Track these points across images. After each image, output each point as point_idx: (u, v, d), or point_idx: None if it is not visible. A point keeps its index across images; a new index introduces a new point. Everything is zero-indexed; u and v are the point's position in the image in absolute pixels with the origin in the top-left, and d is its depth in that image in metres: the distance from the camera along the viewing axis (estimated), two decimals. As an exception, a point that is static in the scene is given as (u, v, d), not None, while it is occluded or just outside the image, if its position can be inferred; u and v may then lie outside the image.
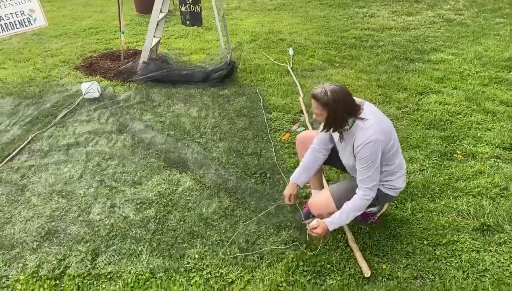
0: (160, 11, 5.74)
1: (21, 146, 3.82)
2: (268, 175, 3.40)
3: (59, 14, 9.09)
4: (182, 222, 2.88)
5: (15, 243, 2.71)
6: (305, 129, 4.13)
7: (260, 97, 4.81)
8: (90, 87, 4.77)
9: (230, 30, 7.74)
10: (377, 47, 6.58)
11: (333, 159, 2.79)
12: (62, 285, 2.39)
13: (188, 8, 5.21)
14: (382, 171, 2.47)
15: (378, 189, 2.50)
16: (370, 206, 2.54)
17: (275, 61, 6.06)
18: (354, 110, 2.37)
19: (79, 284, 2.40)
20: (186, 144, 3.85)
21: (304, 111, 4.45)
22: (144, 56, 5.46)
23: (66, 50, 6.56)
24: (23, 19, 5.42)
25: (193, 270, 2.50)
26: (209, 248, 2.66)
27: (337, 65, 5.92)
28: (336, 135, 2.59)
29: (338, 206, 2.59)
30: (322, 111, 2.34)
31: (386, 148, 2.40)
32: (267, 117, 4.38)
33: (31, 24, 5.50)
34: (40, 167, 3.52)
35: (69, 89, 5.01)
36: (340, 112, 2.31)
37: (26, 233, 2.79)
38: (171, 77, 5.14)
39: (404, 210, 3.03)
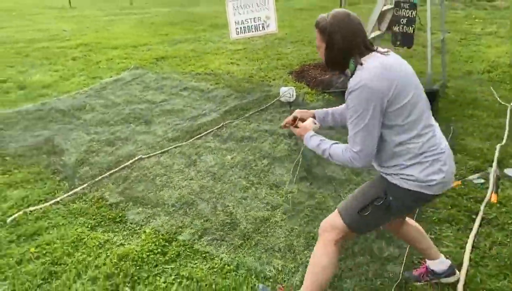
0: (378, 29, 5.70)
1: (211, 130, 4.53)
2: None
3: (307, 23, 10.00)
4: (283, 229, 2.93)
5: (160, 202, 3.32)
6: (483, 182, 3.47)
7: (451, 134, 4.24)
8: (287, 92, 5.19)
9: (467, 57, 7.03)
10: None
11: None
12: (169, 248, 2.82)
13: (401, 28, 4.99)
14: (389, 146, 1.88)
15: (386, 180, 1.94)
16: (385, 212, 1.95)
17: (499, 99, 5.18)
18: (359, 49, 1.85)
19: (180, 252, 2.79)
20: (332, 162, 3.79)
21: (495, 163, 3.70)
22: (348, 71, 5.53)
23: (292, 56, 7.24)
24: (259, 24, 6.27)
25: (270, 279, 2.54)
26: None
27: None
28: None
29: (345, 218, 2.03)
30: (321, 42, 1.92)
31: (391, 101, 1.78)
32: (445, 157, 3.85)
33: (264, 29, 6.30)
34: (213, 150, 4.12)
35: (272, 91, 5.57)
36: (339, 43, 1.84)
37: (171, 198, 3.36)
38: (364, 95, 5.06)
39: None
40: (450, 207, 3.17)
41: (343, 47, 1.85)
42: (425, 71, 5.03)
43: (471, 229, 2.93)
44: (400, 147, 1.86)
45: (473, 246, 2.78)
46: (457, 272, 2.46)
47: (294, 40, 8.40)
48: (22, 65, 7.37)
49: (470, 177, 3.56)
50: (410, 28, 4.90)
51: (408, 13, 4.82)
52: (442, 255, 2.43)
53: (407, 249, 2.73)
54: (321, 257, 2.08)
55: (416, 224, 2.38)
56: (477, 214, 3.07)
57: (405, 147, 1.86)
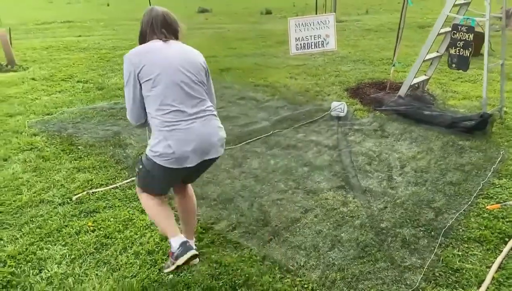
0: (437, 51, 5.72)
1: (260, 137, 4.82)
2: (432, 233, 3.10)
3: (372, 43, 10.05)
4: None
5: (203, 195, 3.64)
6: (524, 208, 3.41)
7: (499, 158, 4.17)
8: (338, 106, 5.36)
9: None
10: None
11: None
12: (205, 235, 3.12)
13: (457, 51, 4.98)
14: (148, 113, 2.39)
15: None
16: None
17: (562, 127, 4.97)
18: (150, 34, 2.42)
19: (214, 239, 3.07)
20: (371, 175, 3.90)
21: (542, 190, 3.61)
22: (402, 91, 5.60)
23: (350, 74, 7.38)
24: (318, 41, 6.52)
25: (292, 272, 2.74)
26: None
27: None
28: None
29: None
30: None
31: (140, 74, 2.30)
32: (489, 181, 3.82)
33: (323, 47, 6.54)
34: (259, 155, 4.40)
35: (325, 105, 5.76)
36: (140, 28, 2.46)
37: (214, 192, 3.68)
38: (414, 115, 5.09)
39: None
40: (483, 228, 3.17)
41: (141, 32, 2.48)
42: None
43: (501, 251, 2.93)
44: (150, 116, 2.36)
45: (499, 267, 2.78)
46: (192, 251, 2.39)
47: (355, 59, 8.52)
48: (103, 69, 8.20)
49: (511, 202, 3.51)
50: (467, 51, 4.88)
51: (465, 36, 4.82)
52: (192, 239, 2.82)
53: (429, 260, 2.81)
54: (143, 204, 2.59)
55: (193, 206, 2.78)
56: (510, 238, 3.05)
57: (152, 116, 2.34)
